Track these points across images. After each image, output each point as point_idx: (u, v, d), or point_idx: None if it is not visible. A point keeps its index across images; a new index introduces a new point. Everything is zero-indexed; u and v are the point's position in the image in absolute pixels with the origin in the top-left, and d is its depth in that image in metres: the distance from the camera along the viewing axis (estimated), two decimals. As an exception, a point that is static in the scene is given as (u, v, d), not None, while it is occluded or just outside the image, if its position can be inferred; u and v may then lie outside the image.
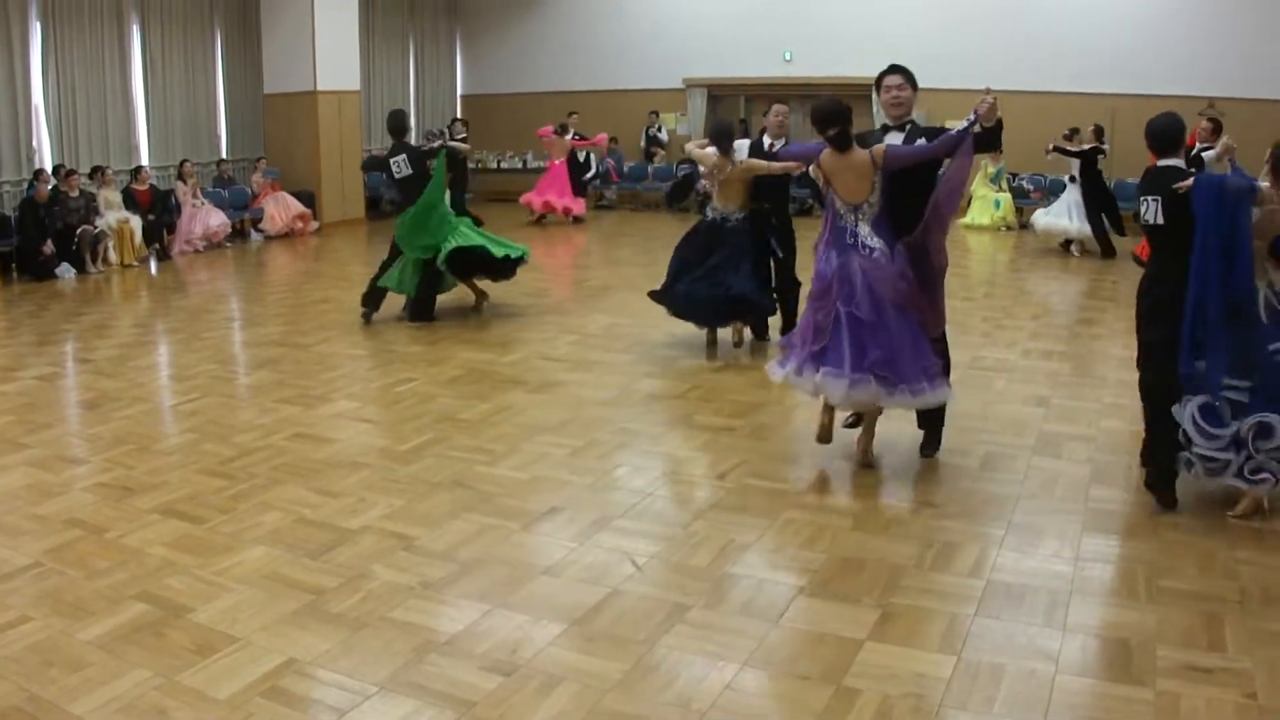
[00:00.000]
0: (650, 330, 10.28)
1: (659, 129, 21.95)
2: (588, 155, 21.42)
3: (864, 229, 6.20)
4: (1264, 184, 5.57)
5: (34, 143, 15.69)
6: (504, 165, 22.98)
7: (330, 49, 18.68)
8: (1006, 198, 17.70)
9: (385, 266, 10.92)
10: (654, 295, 9.63)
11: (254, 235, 17.81)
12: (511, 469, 6.58)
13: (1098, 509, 5.79)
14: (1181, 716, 3.85)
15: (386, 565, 5.24)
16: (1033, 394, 8.03)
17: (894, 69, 6.51)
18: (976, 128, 5.99)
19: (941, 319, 6.44)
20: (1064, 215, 15.20)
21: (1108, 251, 14.69)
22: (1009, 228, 17.51)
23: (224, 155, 18.75)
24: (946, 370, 6.44)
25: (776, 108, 9.66)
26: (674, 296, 9.41)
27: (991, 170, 17.56)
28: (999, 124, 6.04)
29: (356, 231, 18.46)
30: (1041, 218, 15.70)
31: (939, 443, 6.71)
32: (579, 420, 7.55)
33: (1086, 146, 14.93)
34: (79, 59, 16.33)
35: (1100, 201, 14.82)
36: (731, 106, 22.13)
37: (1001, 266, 14.57)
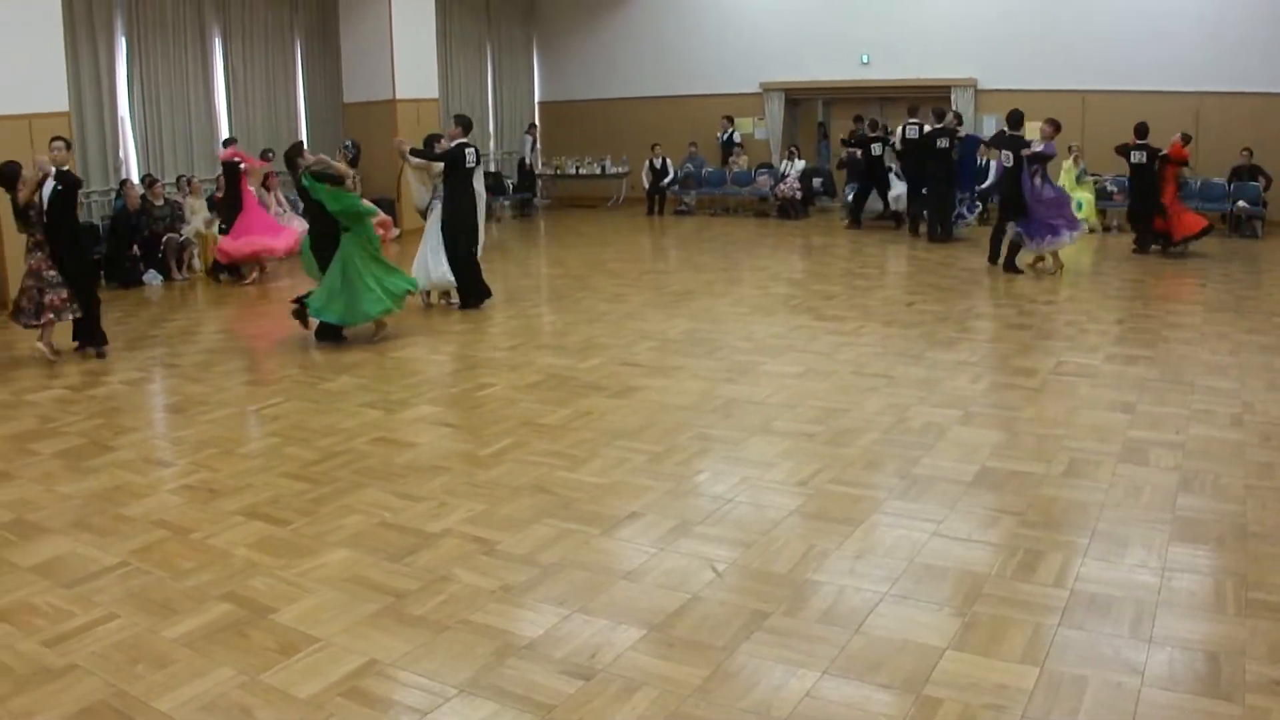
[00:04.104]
0: (730, 335, 10.27)
1: (733, 134, 21.87)
2: (664, 160, 21.43)
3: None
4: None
5: (120, 153, 15.98)
6: (582, 171, 22.99)
7: (408, 57, 18.91)
8: (1089, 198, 17.27)
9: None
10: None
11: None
12: (592, 474, 6.59)
13: (1185, 518, 5.67)
14: (1272, 731, 3.78)
15: (467, 569, 5.26)
16: (1118, 400, 7.91)
17: None
18: None
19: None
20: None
21: (856, 223, 18.67)
22: (1091, 230, 17.01)
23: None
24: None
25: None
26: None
27: (1074, 171, 17.21)
28: None
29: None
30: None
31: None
32: (659, 426, 7.54)
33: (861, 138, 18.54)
34: (163, 71, 16.67)
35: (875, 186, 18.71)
36: (809, 110, 22.05)
37: (1084, 269, 14.36)
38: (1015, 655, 4.27)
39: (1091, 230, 17.00)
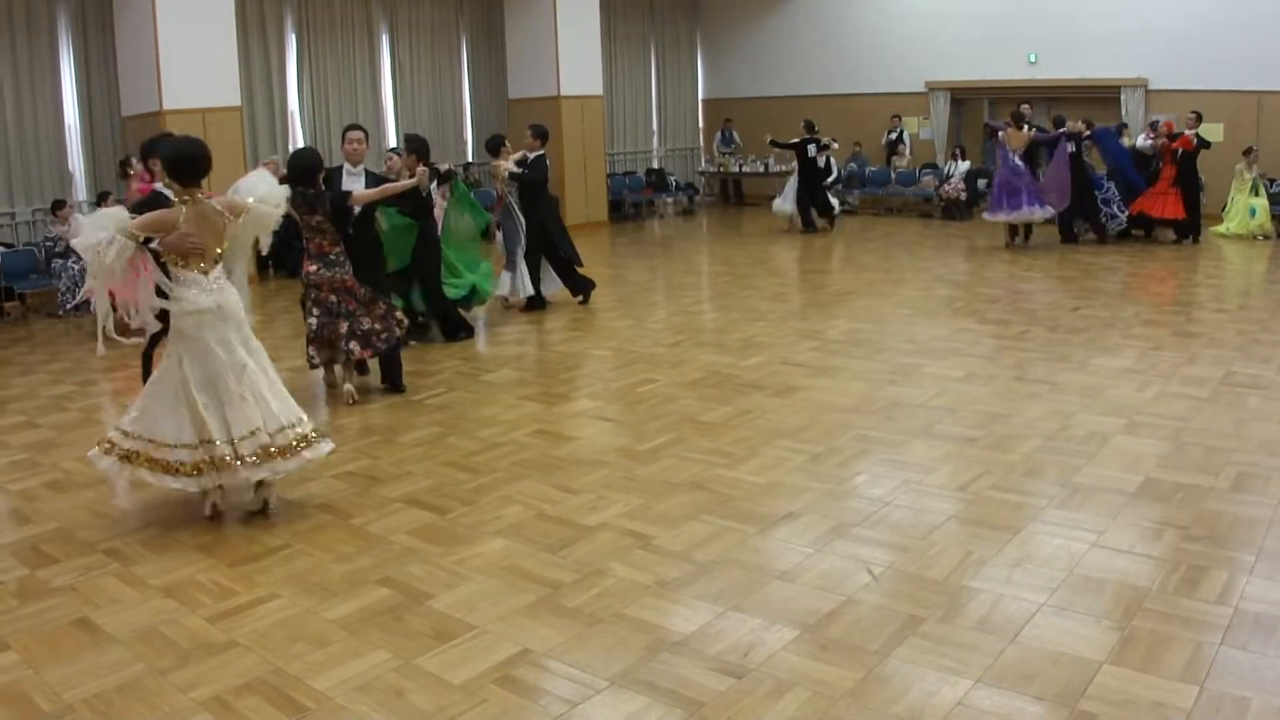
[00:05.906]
0: (892, 337, 10.21)
1: (900, 133, 21.66)
2: (828, 159, 21.33)
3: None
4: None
5: (290, 147, 16.50)
6: (745, 169, 22.96)
7: (573, 54, 19.09)
8: (1263, 204, 16.51)
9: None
10: None
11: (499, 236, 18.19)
12: (750, 473, 6.59)
13: (1361, 538, 5.46)
14: None
15: (623, 563, 5.31)
16: (1292, 413, 7.66)
17: None
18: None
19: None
20: (789, 198, 18.87)
21: (808, 225, 18.64)
22: (1265, 236, 16.40)
23: (470, 159, 19.28)
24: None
25: None
26: None
27: (1248, 177, 16.59)
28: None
29: (599, 234, 18.77)
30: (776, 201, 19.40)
31: None
32: (819, 426, 7.51)
33: (795, 140, 18.53)
34: (331, 67, 17.31)
35: (810, 187, 18.61)
36: (975, 110, 21.73)
37: (1257, 277, 13.87)
38: (1175, 673, 4.13)
39: (1265, 237, 16.41)
